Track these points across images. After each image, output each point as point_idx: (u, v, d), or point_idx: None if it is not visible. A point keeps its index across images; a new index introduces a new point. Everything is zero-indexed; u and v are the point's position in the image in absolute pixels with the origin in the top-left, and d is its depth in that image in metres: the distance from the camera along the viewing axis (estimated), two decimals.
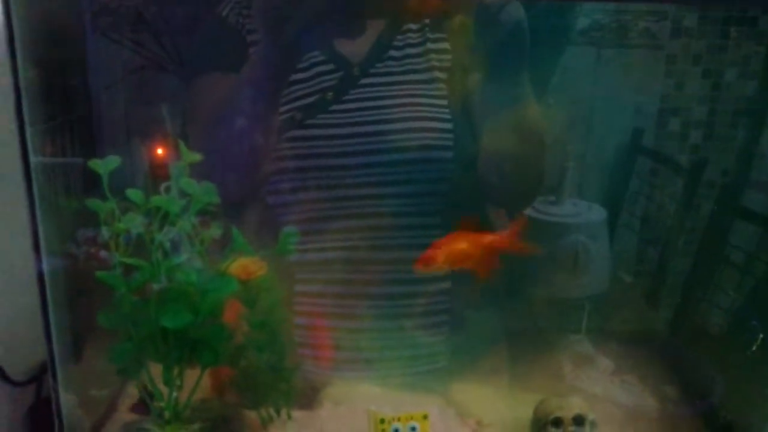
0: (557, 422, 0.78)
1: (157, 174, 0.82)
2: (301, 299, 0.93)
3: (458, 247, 0.77)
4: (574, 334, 1.04)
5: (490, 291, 0.99)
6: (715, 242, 1.14)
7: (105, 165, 0.70)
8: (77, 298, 0.80)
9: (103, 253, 0.80)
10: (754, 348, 0.89)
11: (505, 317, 1.01)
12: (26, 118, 0.69)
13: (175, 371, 0.74)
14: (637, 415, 0.89)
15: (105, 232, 0.72)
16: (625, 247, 1.26)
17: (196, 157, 0.72)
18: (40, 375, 0.88)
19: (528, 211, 1.08)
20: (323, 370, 0.93)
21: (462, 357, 0.95)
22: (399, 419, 0.73)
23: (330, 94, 0.88)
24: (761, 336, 0.89)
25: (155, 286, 0.72)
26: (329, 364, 0.94)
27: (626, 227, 1.28)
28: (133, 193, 0.71)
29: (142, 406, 0.79)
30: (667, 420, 0.89)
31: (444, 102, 0.89)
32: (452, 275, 0.93)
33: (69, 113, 0.90)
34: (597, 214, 1.11)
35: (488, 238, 0.78)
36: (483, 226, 0.90)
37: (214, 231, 0.73)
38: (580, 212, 1.11)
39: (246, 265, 0.76)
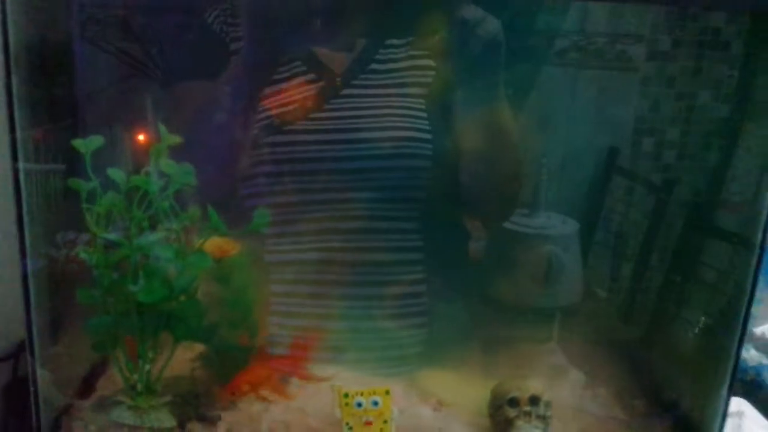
0: (513, 402, 0.81)
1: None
2: (278, 299, 0.96)
3: (258, 375, 0.86)
4: (546, 343, 1.05)
5: (463, 298, 1.03)
6: (687, 260, 1.16)
7: (88, 144, 0.74)
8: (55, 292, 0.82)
9: (88, 255, 0.82)
10: (696, 330, 0.92)
11: (477, 324, 1.03)
12: (17, 122, 0.73)
13: (149, 345, 0.77)
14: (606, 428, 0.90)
15: (86, 212, 0.75)
16: (600, 262, 1.27)
17: (176, 139, 0.76)
18: (17, 353, 0.90)
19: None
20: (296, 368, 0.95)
21: (433, 363, 0.97)
22: (362, 394, 0.76)
23: (311, 102, 0.91)
24: (703, 319, 0.92)
25: (133, 288, 0.75)
26: (302, 363, 0.95)
27: (601, 244, 1.30)
28: (114, 173, 0.75)
29: None
30: None
31: (423, 114, 0.92)
32: (428, 278, 0.97)
33: (55, 121, 0.92)
34: (569, 226, 1.13)
35: (280, 364, 0.89)
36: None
37: (193, 212, 0.77)
38: (554, 224, 1.13)
39: (220, 244, 0.79)
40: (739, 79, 1.19)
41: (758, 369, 1.12)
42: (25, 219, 0.75)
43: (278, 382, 0.87)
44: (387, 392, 0.77)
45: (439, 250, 0.98)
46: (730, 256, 1.12)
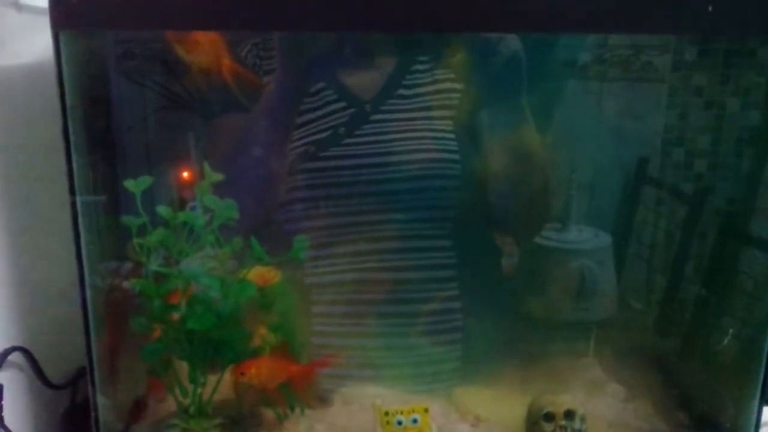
0: (549, 417, 0.83)
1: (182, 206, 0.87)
2: (318, 320, 0.99)
3: (267, 366, 0.85)
4: (583, 358, 1.06)
5: (497, 314, 1.04)
6: (723, 269, 1.16)
7: (138, 185, 0.79)
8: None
9: (125, 284, 0.86)
10: (725, 342, 0.93)
11: (512, 339, 1.04)
12: (74, 156, 0.77)
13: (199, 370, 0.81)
14: None
15: (137, 246, 0.80)
16: (634, 275, 1.27)
17: (219, 176, 0.80)
18: (77, 380, 0.94)
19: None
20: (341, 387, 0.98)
21: (469, 379, 1.00)
22: (402, 412, 0.79)
23: (342, 129, 0.94)
24: (731, 330, 0.92)
25: (175, 313, 0.79)
26: (342, 381, 0.98)
27: (635, 256, 1.30)
28: (163, 210, 0.79)
29: None
30: None
31: (451, 135, 0.95)
32: (462, 295, 0.99)
33: (94, 153, 0.96)
34: (602, 240, 1.13)
35: (291, 368, 0.87)
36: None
37: (236, 243, 0.81)
38: (586, 238, 1.13)
39: (262, 273, 0.83)
40: (767, 84, 1.18)
41: None
42: (83, 249, 0.79)
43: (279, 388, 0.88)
44: (426, 410, 0.80)
45: (472, 267, 1.00)
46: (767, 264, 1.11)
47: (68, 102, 0.75)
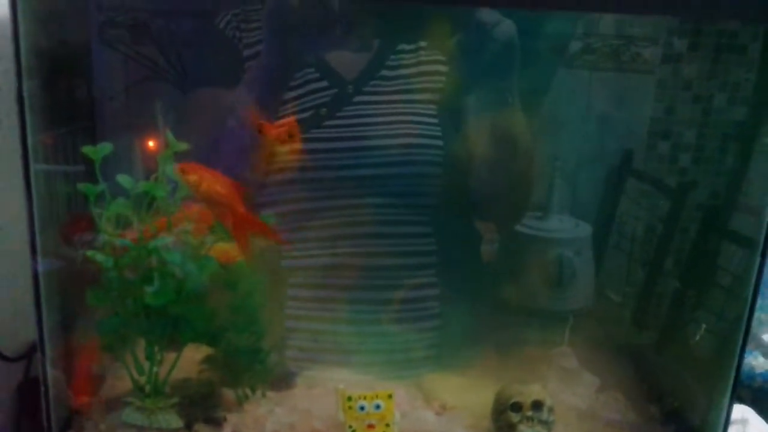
0: (516, 406, 0.81)
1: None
2: (294, 304, 0.97)
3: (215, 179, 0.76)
4: (558, 347, 1.04)
5: (475, 301, 1.02)
6: (703, 264, 1.15)
7: (97, 151, 0.75)
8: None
9: (99, 256, 0.83)
10: (697, 338, 0.92)
11: (489, 327, 1.03)
12: (28, 126, 0.73)
13: (157, 347, 0.78)
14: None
15: (95, 214, 0.77)
16: (613, 266, 1.27)
17: (183, 146, 0.77)
18: (30, 353, 0.91)
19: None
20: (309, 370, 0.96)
21: (445, 366, 0.98)
22: (365, 397, 0.77)
23: (323, 110, 0.91)
24: (704, 326, 0.91)
25: (148, 289, 0.76)
26: (316, 366, 0.96)
27: (616, 247, 1.29)
28: (123, 179, 0.76)
29: None
30: None
31: (435, 120, 0.93)
32: (440, 282, 0.97)
33: (73, 123, 0.93)
34: (582, 230, 1.13)
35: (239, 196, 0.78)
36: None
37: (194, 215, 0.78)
38: (566, 228, 1.13)
39: (226, 250, 0.80)
40: (756, 81, 1.17)
41: (766, 376, 1.11)
42: (36, 221, 0.76)
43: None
44: (389, 396, 0.78)
45: (452, 254, 0.98)
46: (746, 260, 1.11)
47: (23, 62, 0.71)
